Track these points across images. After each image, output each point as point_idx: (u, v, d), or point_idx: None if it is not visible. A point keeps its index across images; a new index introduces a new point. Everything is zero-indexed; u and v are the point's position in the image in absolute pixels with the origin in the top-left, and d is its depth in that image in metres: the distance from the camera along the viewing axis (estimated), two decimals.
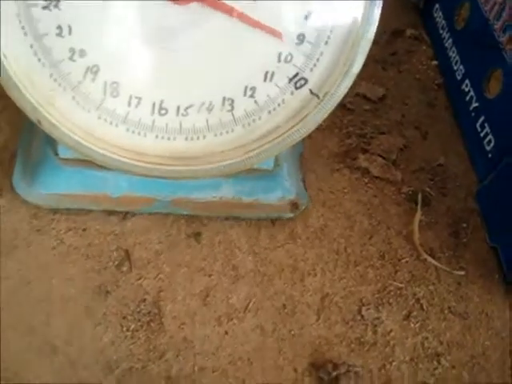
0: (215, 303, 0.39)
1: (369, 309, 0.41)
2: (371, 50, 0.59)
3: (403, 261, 0.44)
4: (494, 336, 0.42)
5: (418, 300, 0.42)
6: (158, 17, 0.35)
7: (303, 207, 0.45)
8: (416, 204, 0.47)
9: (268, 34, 0.35)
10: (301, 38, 0.36)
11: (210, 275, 0.40)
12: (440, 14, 0.59)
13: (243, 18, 0.35)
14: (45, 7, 0.33)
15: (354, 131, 0.50)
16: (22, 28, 0.34)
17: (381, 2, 0.36)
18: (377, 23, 0.36)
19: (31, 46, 0.34)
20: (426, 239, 0.45)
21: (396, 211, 0.46)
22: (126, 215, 0.42)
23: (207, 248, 0.41)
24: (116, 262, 0.39)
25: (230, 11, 0.35)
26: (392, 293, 0.42)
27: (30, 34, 0.34)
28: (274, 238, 0.43)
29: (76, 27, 0.34)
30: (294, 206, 0.44)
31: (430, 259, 0.44)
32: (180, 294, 0.39)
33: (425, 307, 0.42)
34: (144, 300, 0.38)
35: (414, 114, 0.53)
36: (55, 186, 0.42)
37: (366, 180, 0.48)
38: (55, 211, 0.41)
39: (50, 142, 0.41)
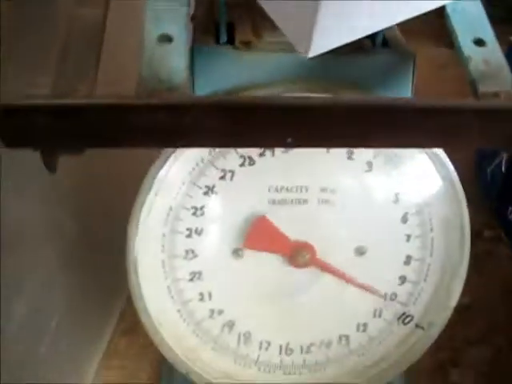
0: None
1: None
2: None
3: None
4: None
5: None
6: (281, 278, 0.42)
7: None
8: None
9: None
10: (402, 279, 0.42)
11: None
12: None
13: (352, 281, 0.42)
14: (190, 280, 0.41)
15: (443, 344, 0.53)
16: (172, 297, 0.41)
17: (468, 251, 0.42)
18: (467, 261, 0.42)
19: (178, 311, 0.42)
20: None
21: None
22: None
23: None
24: None
25: (340, 275, 0.42)
26: None
27: (178, 301, 0.41)
28: None
29: (215, 292, 0.42)
30: None
31: None
32: None
33: None
34: None
35: (502, 320, 0.56)
36: None
37: None
38: None
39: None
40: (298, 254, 0.40)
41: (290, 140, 0.27)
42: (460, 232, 0.42)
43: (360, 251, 0.42)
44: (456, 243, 0.42)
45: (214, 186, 0.40)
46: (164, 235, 0.40)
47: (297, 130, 0.27)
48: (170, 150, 0.38)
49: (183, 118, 0.26)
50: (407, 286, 0.43)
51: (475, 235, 0.64)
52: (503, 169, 0.65)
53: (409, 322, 0.43)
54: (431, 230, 0.41)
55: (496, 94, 0.30)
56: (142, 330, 0.49)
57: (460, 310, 0.56)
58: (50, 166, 0.27)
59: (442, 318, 0.43)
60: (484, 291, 0.59)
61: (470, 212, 0.68)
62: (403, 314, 0.43)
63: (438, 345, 0.53)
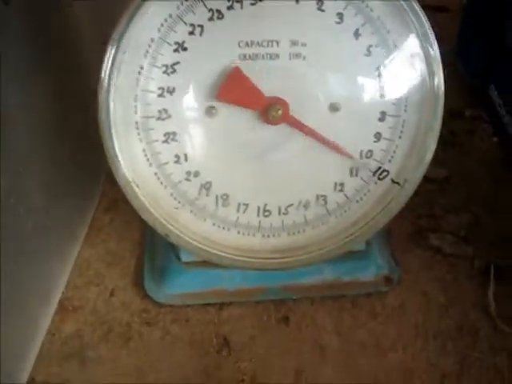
0: (305, 381, 0.43)
1: (451, 380, 0.43)
2: None
3: (481, 332, 0.46)
4: None
5: (498, 370, 0.44)
6: (256, 136, 0.42)
7: (396, 281, 0.49)
8: (489, 276, 0.49)
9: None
10: (377, 136, 0.43)
11: (299, 355, 0.44)
12: (495, 92, 0.63)
13: (322, 140, 0.42)
14: (164, 141, 0.41)
15: (422, 212, 0.54)
16: (148, 160, 0.41)
17: (442, 101, 0.42)
18: (441, 117, 0.42)
19: (155, 174, 0.42)
20: (503, 310, 0.47)
21: (470, 285, 0.49)
22: (221, 305, 0.47)
23: (296, 330, 0.46)
24: (216, 348, 0.44)
25: (312, 134, 0.42)
26: (472, 363, 0.44)
27: (154, 164, 0.41)
28: (356, 317, 0.47)
29: (190, 154, 0.42)
30: (388, 280, 0.49)
31: (507, 329, 0.46)
32: (274, 374, 0.43)
33: (506, 376, 0.44)
34: (243, 380, 0.43)
35: (480, 190, 0.57)
36: (180, 287, 0.48)
37: (439, 258, 0.51)
38: (160, 306, 0.47)
39: (172, 249, 0.48)
40: (271, 109, 0.40)
41: None
42: (434, 87, 0.42)
43: (334, 108, 0.42)
44: (431, 99, 0.42)
45: (183, 42, 0.39)
46: (136, 96, 0.40)
47: None
48: (135, 5, 0.38)
49: None
50: (383, 143, 0.43)
51: (457, 115, 0.65)
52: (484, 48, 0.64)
53: (384, 178, 0.44)
54: (405, 81, 0.41)
55: None
56: (124, 207, 0.50)
57: (440, 182, 0.57)
58: None
59: (417, 174, 0.43)
60: (464, 165, 0.59)
61: (451, 93, 0.69)
62: (379, 168, 0.43)
63: (419, 213, 0.55)
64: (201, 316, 0.46)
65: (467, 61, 0.70)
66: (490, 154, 0.61)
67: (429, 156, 0.43)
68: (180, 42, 0.39)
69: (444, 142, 0.62)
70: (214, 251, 0.45)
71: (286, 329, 0.46)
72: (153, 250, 0.51)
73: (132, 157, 0.41)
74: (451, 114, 0.65)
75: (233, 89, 0.40)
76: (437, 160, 0.60)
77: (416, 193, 0.56)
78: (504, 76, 0.61)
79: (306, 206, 0.45)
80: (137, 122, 0.41)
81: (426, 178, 0.57)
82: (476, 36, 0.66)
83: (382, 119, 0.42)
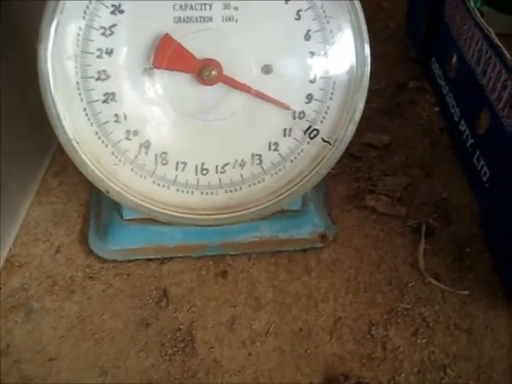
0: (240, 329, 0.45)
1: (378, 328, 0.46)
2: (376, 102, 0.67)
3: (410, 285, 0.49)
4: (499, 348, 0.45)
5: (424, 319, 0.47)
6: (193, 97, 0.44)
7: (331, 238, 0.51)
8: (420, 234, 0.52)
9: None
10: (309, 98, 0.45)
11: (235, 306, 0.46)
12: (436, 65, 0.65)
13: (258, 94, 0.44)
14: (104, 101, 0.43)
15: (361, 176, 0.57)
16: (88, 119, 0.43)
17: (369, 60, 0.44)
18: (368, 76, 0.44)
19: (96, 133, 0.43)
20: (432, 265, 0.50)
21: (402, 242, 0.52)
22: (163, 260, 0.49)
23: (233, 284, 0.48)
24: (156, 299, 0.46)
25: (247, 90, 0.44)
26: (400, 313, 0.47)
27: (94, 123, 0.43)
28: (291, 272, 0.49)
29: (130, 113, 0.43)
30: (324, 237, 0.52)
31: (434, 282, 0.49)
32: (210, 323, 0.45)
33: (431, 325, 0.46)
34: (179, 329, 0.45)
35: (418, 156, 0.59)
36: (122, 243, 0.50)
37: (374, 217, 0.54)
38: (104, 261, 0.49)
39: (116, 207, 0.50)
40: (204, 70, 0.42)
41: None
42: (362, 49, 0.44)
43: (266, 70, 0.44)
44: (359, 60, 0.44)
45: (119, 6, 0.41)
46: (76, 56, 0.42)
47: None
48: None
49: None
50: (314, 104, 0.45)
51: (401, 86, 0.68)
52: (428, 23, 0.67)
53: (315, 137, 0.46)
54: (333, 44, 0.43)
55: None
56: (73, 171, 0.51)
57: (380, 148, 0.60)
58: None
59: (347, 133, 0.45)
60: (405, 132, 0.62)
61: (396, 66, 0.71)
62: (309, 127, 0.45)
63: (356, 176, 0.57)
64: (142, 270, 0.48)
65: (413, 36, 0.72)
66: (431, 122, 0.63)
67: (357, 115, 0.45)
68: (117, 4, 0.41)
69: (389, 111, 0.66)
70: (154, 208, 0.46)
71: (224, 282, 0.48)
72: (98, 208, 0.52)
73: (73, 115, 0.43)
74: (397, 86, 0.68)
75: (165, 55, 0.42)
76: (380, 127, 0.63)
77: (358, 158, 0.59)
78: (443, 49, 0.64)
79: (242, 165, 0.47)
80: (77, 83, 0.42)
81: (369, 145, 0.61)
82: (421, 12, 0.69)
83: (312, 81, 0.45)
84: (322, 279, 0.49)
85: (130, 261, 0.49)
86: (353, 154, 0.58)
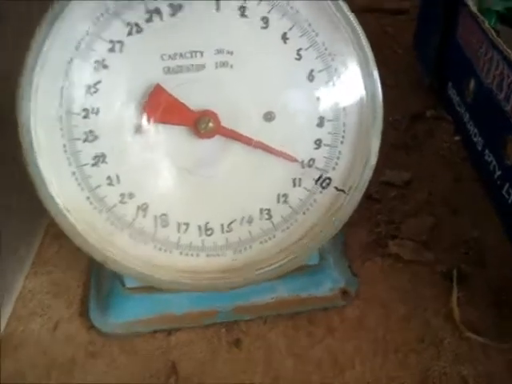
0: None
1: None
2: (392, 137, 0.63)
3: (445, 341, 0.44)
4: None
5: (463, 377, 0.41)
6: (191, 151, 0.40)
7: (354, 293, 0.47)
8: (452, 281, 0.47)
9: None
10: (318, 143, 0.41)
11: (251, 380, 0.42)
12: (453, 91, 0.61)
13: (260, 146, 0.40)
14: (94, 164, 0.39)
15: (382, 219, 0.52)
16: (79, 185, 0.39)
17: (380, 97, 0.40)
18: (381, 116, 0.40)
19: (87, 198, 0.40)
20: (468, 316, 0.45)
21: (432, 292, 0.47)
22: (170, 331, 0.45)
23: (247, 353, 0.43)
24: (164, 377, 0.42)
25: (248, 142, 0.40)
26: (436, 373, 0.42)
27: (85, 188, 0.39)
28: (312, 335, 0.44)
29: (123, 175, 0.40)
30: (345, 293, 0.47)
31: (473, 336, 0.44)
32: None
33: None
34: None
35: (442, 192, 0.55)
36: (126, 315, 0.46)
37: (399, 265, 0.49)
38: (107, 335, 0.44)
39: (117, 275, 0.45)
40: (200, 122, 0.39)
41: None
42: (371, 86, 0.40)
43: (269, 117, 0.40)
44: (369, 99, 0.40)
45: (103, 60, 0.37)
46: (61, 117, 0.38)
47: None
48: (46, 23, 0.36)
49: None
50: (324, 150, 0.41)
51: (417, 117, 0.64)
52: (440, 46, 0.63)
53: (327, 186, 0.42)
54: (340, 82, 0.39)
55: None
56: None
57: (399, 186, 0.55)
58: None
59: (363, 179, 0.41)
60: (425, 166, 0.57)
61: (411, 96, 0.67)
62: (320, 176, 0.41)
63: (376, 220, 0.53)
64: (148, 344, 0.44)
65: (424, 60, 0.68)
66: (452, 153, 0.59)
67: (373, 159, 0.41)
68: (100, 60, 0.37)
69: (406, 145, 0.61)
70: (157, 275, 0.42)
71: (238, 352, 0.43)
72: (98, 276, 0.48)
73: (62, 182, 0.39)
74: (413, 117, 0.64)
75: (157, 108, 0.38)
76: (398, 163, 0.59)
77: (376, 200, 0.55)
78: (459, 74, 0.60)
79: (250, 221, 0.43)
80: (64, 145, 0.39)
81: (388, 184, 0.56)
82: (431, 36, 0.65)
83: (320, 125, 0.41)
84: (346, 341, 0.44)
85: (134, 333, 0.44)
86: (371, 196, 0.54)
